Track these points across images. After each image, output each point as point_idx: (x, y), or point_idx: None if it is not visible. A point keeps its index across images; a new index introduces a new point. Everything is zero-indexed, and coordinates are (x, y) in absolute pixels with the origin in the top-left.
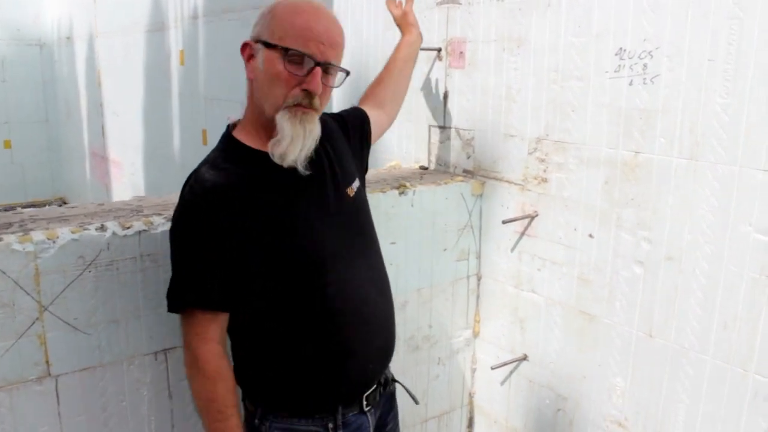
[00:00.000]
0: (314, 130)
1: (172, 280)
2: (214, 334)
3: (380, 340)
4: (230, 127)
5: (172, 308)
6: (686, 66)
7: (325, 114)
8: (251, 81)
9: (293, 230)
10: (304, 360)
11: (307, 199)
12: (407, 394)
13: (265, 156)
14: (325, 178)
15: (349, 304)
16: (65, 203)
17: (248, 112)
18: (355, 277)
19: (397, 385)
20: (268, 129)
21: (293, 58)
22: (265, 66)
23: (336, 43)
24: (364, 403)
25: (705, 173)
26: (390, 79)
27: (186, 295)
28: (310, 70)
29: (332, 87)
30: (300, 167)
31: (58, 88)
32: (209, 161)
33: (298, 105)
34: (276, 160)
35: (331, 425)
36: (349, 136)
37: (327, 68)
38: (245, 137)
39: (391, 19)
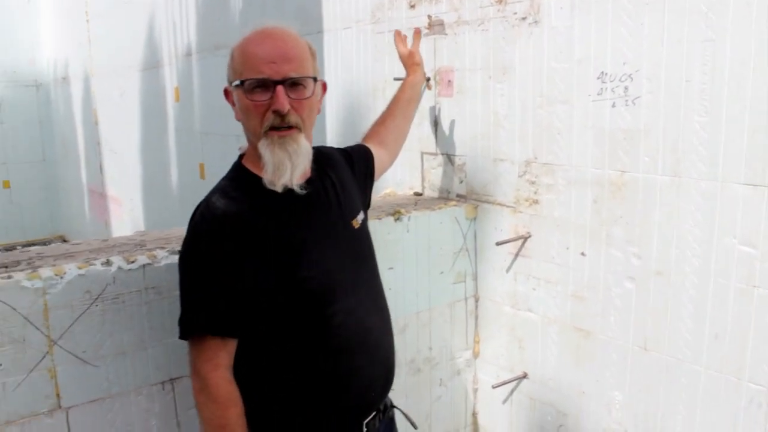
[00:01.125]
0: (299, 150)
1: (183, 307)
2: (224, 360)
3: (382, 368)
4: (241, 156)
5: (184, 334)
6: (665, 87)
7: (333, 148)
8: (239, 121)
9: (302, 258)
10: (306, 386)
11: (316, 228)
12: (408, 420)
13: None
14: (332, 208)
15: (353, 333)
16: (65, 241)
17: (249, 147)
18: (360, 306)
19: (396, 410)
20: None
21: (252, 86)
22: (239, 104)
23: (289, 57)
24: (364, 429)
25: (689, 189)
26: (393, 119)
27: (199, 321)
28: (274, 92)
29: (308, 98)
30: (296, 188)
31: (54, 127)
32: (220, 189)
33: (272, 129)
34: (269, 187)
35: None
36: (354, 170)
37: (292, 83)
38: (251, 165)
39: (382, 51)
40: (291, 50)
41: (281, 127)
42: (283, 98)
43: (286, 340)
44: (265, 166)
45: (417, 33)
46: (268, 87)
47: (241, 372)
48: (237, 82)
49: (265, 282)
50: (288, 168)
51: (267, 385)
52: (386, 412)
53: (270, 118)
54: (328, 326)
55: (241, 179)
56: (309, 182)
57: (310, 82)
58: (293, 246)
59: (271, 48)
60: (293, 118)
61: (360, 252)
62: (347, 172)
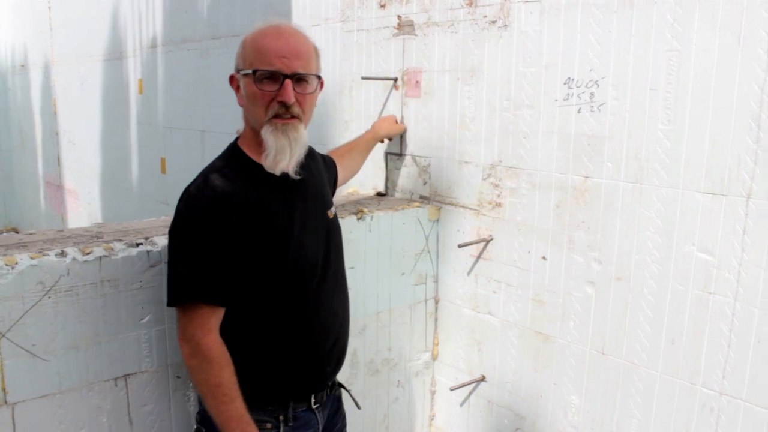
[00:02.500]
0: (299, 138)
1: (175, 276)
2: (214, 325)
3: (339, 346)
4: (236, 139)
5: (175, 301)
6: (630, 95)
7: (312, 148)
8: (242, 106)
9: (289, 239)
10: (271, 355)
11: (302, 213)
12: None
13: (263, 168)
14: (315, 197)
15: (319, 312)
16: (17, 233)
17: (246, 131)
18: (328, 288)
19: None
20: (262, 144)
21: (263, 77)
22: (245, 91)
23: (299, 53)
24: (313, 400)
25: (650, 196)
26: (356, 152)
27: (192, 289)
28: (282, 84)
29: (311, 93)
30: (292, 173)
31: (11, 116)
32: (217, 168)
33: (277, 117)
34: (268, 170)
35: (282, 417)
36: (326, 171)
37: (298, 78)
38: (247, 149)
39: (350, 50)
40: (301, 48)
41: (284, 116)
42: (290, 91)
43: (262, 310)
44: (266, 150)
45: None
46: (277, 79)
47: (228, 336)
48: (248, 71)
49: (254, 258)
50: (288, 153)
51: (240, 348)
52: (333, 388)
53: (275, 107)
54: (297, 301)
55: (238, 161)
56: (301, 170)
57: (314, 79)
58: (280, 227)
59: (284, 44)
60: (296, 110)
61: (333, 240)
62: (323, 169)
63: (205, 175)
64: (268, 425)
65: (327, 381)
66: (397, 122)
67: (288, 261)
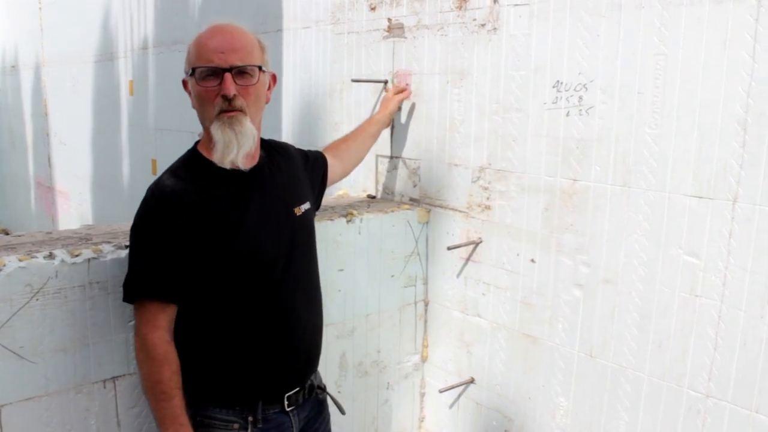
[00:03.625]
0: (244, 130)
1: (128, 273)
2: (162, 322)
3: (305, 345)
4: (197, 143)
5: (126, 298)
6: (618, 98)
7: (289, 144)
8: (194, 109)
9: (238, 233)
10: (231, 353)
11: (255, 208)
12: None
13: (218, 167)
14: (275, 192)
15: (279, 308)
16: (8, 234)
17: (204, 134)
18: (290, 284)
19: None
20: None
21: (203, 74)
22: (193, 92)
23: (236, 47)
24: (286, 402)
25: (637, 199)
26: (356, 143)
27: (140, 286)
28: (222, 78)
29: (253, 85)
30: (241, 166)
31: (2, 117)
32: (171, 169)
33: (222, 111)
34: (218, 164)
35: (251, 418)
36: (308, 168)
37: (239, 71)
38: (205, 151)
39: (341, 52)
40: (238, 41)
41: (228, 110)
42: (229, 84)
43: (217, 306)
44: (215, 145)
45: (407, 92)
46: (218, 75)
47: (180, 335)
48: (190, 71)
49: (204, 254)
50: (235, 146)
51: (195, 348)
52: (312, 392)
53: (219, 103)
54: (257, 297)
55: (193, 161)
56: (256, 167)
57: (256, 71)
58: (231, 222)
59: (221, 40)
60: (239, 102)
61: (298, 237)
62: (299, 166)
63: (159, 177)
64: (236, 425)
65: (298, 381)
66: (403, 90)
67: (240, 254)
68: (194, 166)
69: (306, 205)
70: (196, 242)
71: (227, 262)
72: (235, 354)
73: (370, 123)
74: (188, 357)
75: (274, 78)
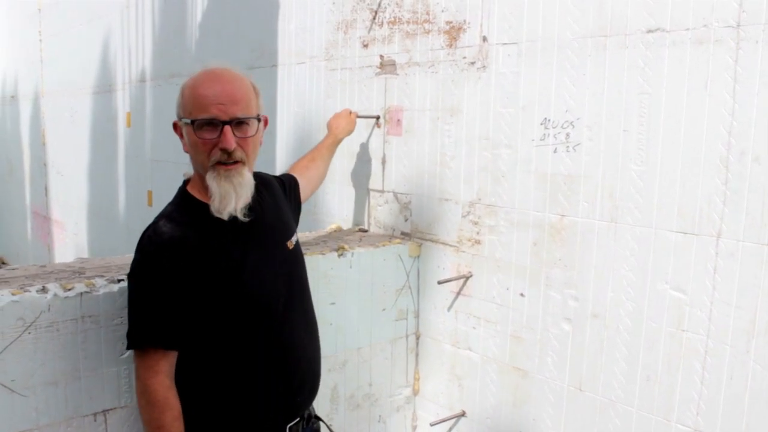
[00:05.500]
0: (243, 182)
1: (130, 321)
2: (163, 368)
3: (308, 378)
4: (185, 182)
5: (130, 345)
6: (604, 135)
7: (269, 175)
8: (187, 153)
9: (241, 277)
10: (236, 393)
11: (254, 250)
12: None
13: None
14: (269, 231)
15: (284, 345)
16: (4, 263)
17: (194, 175)
18: (292, 321)
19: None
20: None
21: (202, 125)
22: (188, 139)
23: (236, 98)
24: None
25: (624, 235)
26: (320, 160)
27: (142, 334)
28: (221, 131)
29: (252, 136)
30: (240, 216)
31: (0, 146)
32: (166, 214)
33: (219, 163)
34: (215, 215)
35: None
36: (287, 195)
37: (238, 122)
38: (197, 193)
39: (334, 88)
40: (237, 92)
41: (227, 162)
42: (230, 137)
43: (224, 349)
44: (212, 196)
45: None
46: (216, 126)
47: (184, 378)
48: (187, 120)
49: (206, 300)
50: (233, 198)
51: (201, 388)
52: (310, 421)
53: (217, 154)
54: (262, 338)
55: (187, 205)
56: (251, 209)
57: (254, 122)
58: (233, 267)
59: (220, 90)
60: (239, 154)
61: (294, 271)
62: (281, 197)
63: (155, 222)
64: None
65: (300, 411)
66: (350, 113)
67: (244, 298)
68: (189, 209)
69: (294, 237)
70: (197, 288)
71: (230, 306)
72: (239, 393)
73: (327, 146)
74: (192, 398)
75: (266, 120)
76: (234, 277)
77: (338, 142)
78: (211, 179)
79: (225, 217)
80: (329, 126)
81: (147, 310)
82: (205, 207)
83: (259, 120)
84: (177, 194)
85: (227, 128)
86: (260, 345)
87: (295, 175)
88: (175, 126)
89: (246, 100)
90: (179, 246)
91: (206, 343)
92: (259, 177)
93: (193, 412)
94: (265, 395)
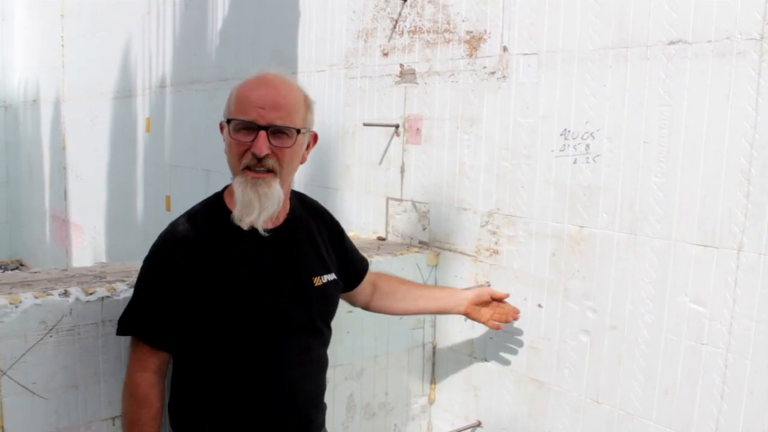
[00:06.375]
0: (270, 193)
1: (126, 307)
2: (151, 364)
3: (294, 421)
4: (226, 186)
5: (118, 331)
6: (624, 147)
7: (326, 212)
8: (226, 154)
9: (242, 293)
10: (223, 414)
11: (266, 270)
12: None
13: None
14: (294, 254)
15: (274, 378)
16: (22, 265)
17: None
18: (293, 358)
19: None
20: None
21: (239, 127)
22: (225, 140)
23: (278, 105)
24: None
25: (644, 247)
26: (408, 296)
27: (132, 324)
28: (257, 135)
29: (290, 147)
30: (260, 228)
31: (21, 150)
32: (190, 213)
33: (248, 169)
34: (236, 222)
35: None
36: (334, 241)
37: (275, 130)
38: (228, 197)
39: (353, 96)
40: (282, 99)
41: (257, 168)
42: (263, 143)
43: (214, 364)
44: (235, 201)
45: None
46: (253, 130)
47: (178, 382)
48: (226, 120)
49: (204, 307)
50: (256, 208)
51: (191, 402)
52: None
53: (248, 158)
54: (252, 363)
55: (213, 208)
56: (279, 228)
57: (294, 132)
58: (236, 281)
59: (264, 94)
60: (270, 163)
61: (310, 306)
62: (325, 234)
63: (177, 219)
64: None
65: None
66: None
67: (240, 315)
68: (214, 213)
69: (328, 276)
70: (198, 293)
71: (225, 319)
72: (229, 417)
73: (440, 299)
74: (184, 409)
75: (315, 137)
76: (233, 292)
77: (451, 312)
78: (237, 184)
79: (244, 226)
80: (466, 298)
81: (144, 302)
82: (228, 213)
83: (300, 133)
84: (212, 195)
85: (262, 133)
86: (247, 371)
87: (376, 277)
88: (222, 126)
89: (290, 109)
90: (189, 248)
91: (198, 350)
92: (307, 199)
93: (182, 417)
94: (243, 423)
